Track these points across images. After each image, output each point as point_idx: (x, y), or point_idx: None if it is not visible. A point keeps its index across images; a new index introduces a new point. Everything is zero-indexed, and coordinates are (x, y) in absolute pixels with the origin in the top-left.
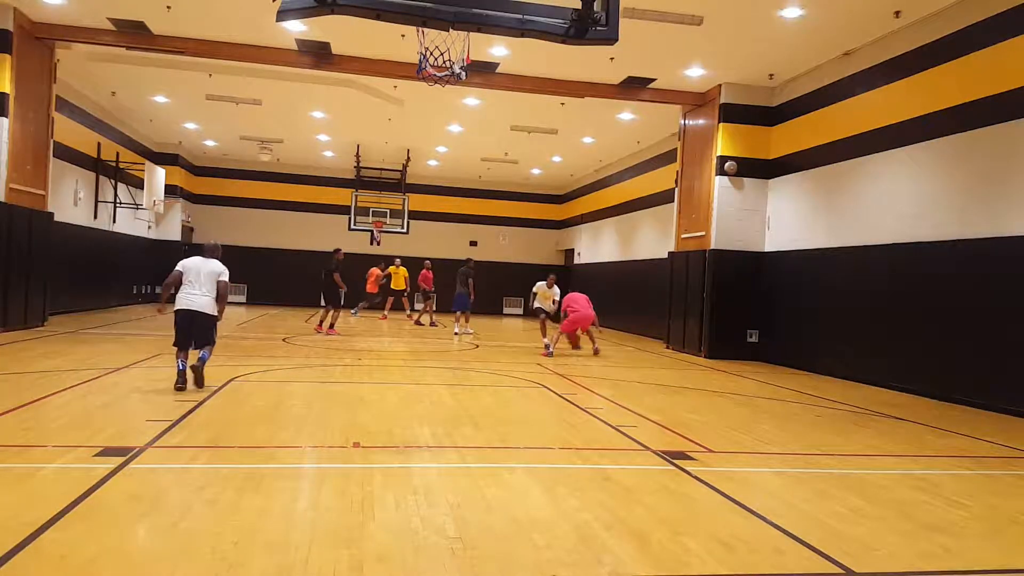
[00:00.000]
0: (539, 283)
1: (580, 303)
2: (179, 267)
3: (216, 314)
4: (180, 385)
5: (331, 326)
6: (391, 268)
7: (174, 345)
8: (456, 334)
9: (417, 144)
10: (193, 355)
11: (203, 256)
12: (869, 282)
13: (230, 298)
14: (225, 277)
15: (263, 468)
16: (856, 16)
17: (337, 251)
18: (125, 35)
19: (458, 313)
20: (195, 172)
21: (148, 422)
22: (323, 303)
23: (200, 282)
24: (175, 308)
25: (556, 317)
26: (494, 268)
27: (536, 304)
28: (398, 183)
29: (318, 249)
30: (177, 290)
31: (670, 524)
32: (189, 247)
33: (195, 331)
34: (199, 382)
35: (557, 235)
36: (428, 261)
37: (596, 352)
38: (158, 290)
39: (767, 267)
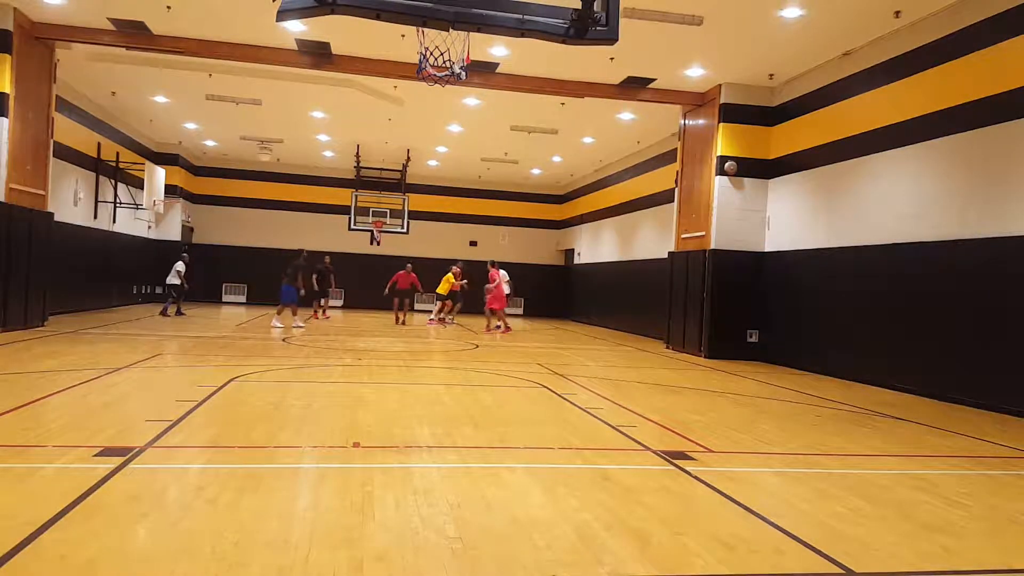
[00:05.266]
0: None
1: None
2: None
3: (175, 283)
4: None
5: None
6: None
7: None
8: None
9: (417, 144)
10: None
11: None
12: (869, 282)
13: (230, 298)
14: (179, 267)
15: (263, 468)
16: (856, 16)
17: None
18: (125, 35)
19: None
20: (195, 172)
21: (148, 422)
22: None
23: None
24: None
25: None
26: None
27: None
28: (398, 183)
29: (318, 249)
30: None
31: (670, 524)
32: (189, 247)
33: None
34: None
35: (557, 235)
36: (409, 264)
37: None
38: (158, 290)
39: (767, 267)
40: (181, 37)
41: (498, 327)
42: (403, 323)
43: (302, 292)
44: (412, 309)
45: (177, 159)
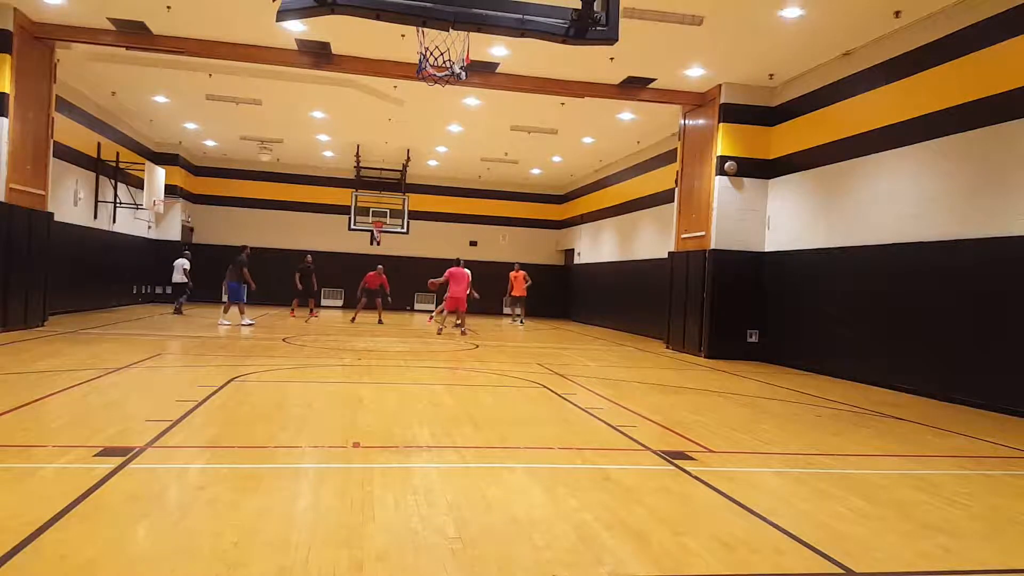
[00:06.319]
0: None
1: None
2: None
3: (181, 281)
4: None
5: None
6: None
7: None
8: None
9: (417, 144)
10: None
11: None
12: (869, 282)
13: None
14: (185, 264)
15: (263, 468)
16: (856, 16)
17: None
18: (125, 35)
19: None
20: (195, 172)
21: (148, 422)
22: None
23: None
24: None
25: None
26: (494, 268)
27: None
28: (398, 183)
29: (319, 249)
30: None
31: (670, 524)
32: (188, 247)
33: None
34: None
35: (557, 235)
36: (380, 266)
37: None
38: (159, 290)
39: (767, 267)
40: (181, 37)
41: (458, 326)
42: (380, 322)
43: (252, 287)
44: (385, 308)
45: (177, 159)
